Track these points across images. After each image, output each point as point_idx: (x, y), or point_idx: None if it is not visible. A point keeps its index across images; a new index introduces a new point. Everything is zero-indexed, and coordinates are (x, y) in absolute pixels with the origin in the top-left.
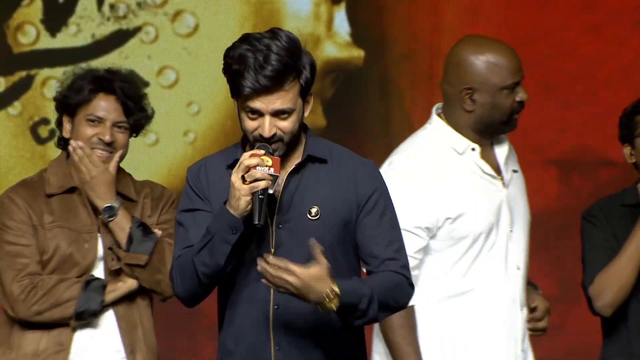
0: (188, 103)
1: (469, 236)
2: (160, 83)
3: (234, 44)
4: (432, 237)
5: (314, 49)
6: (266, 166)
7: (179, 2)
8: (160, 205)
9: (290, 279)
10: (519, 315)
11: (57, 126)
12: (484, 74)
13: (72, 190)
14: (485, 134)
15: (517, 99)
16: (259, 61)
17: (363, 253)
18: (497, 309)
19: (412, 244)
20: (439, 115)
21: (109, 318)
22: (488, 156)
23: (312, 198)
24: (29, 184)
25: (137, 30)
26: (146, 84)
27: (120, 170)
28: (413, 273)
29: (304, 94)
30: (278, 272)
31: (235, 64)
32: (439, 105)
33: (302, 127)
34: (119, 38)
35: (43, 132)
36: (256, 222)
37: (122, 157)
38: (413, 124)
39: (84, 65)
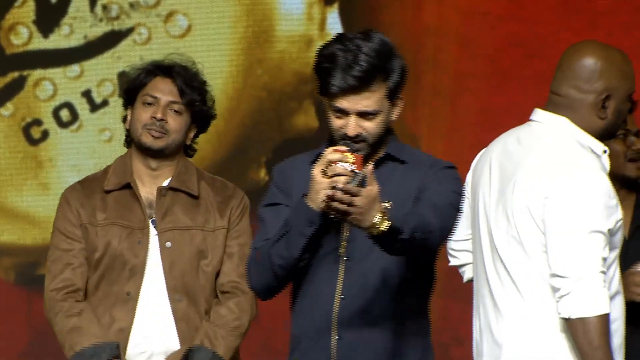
0: None
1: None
2: None
3: (327, 42)
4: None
5: (306, 50)
6: (348, 162)
7: (172, 3)
8: (229, 209)
9: (357, 199)
10: None
11: (124, 122)
12: (619, 80)
13: (128, 186)
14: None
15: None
16: (348, 61)
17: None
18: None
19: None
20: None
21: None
22: None
23: (386, 196)
24: (89, 181)
25: (129, 31)
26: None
27: (184, 164)
28: (603, 273)
29: (392, 96)
30: (345, 195)
31: (325, 62)
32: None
33: (388, 130)
34: (111, 39)
35: (35, 133)
36: (333, 216)
37: (175, 143)
38: (405, 123)
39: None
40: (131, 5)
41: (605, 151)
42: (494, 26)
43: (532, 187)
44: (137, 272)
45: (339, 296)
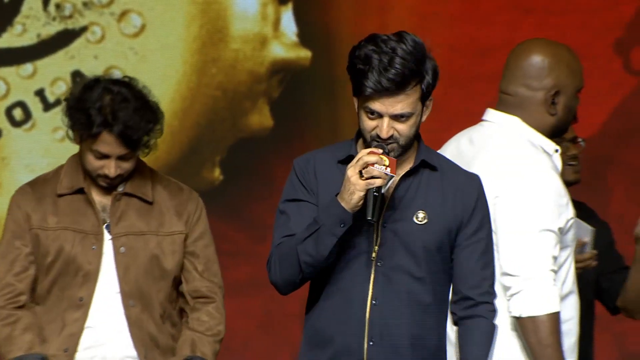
0: None
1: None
2: None
3: (360, 43)
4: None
5: (260, 49)
6: (383, 165)
7: (125, 2)
8: (186, 213)
9: None
10: None
11: (69, 127)
12: (567, 76)
13: (81, 190)
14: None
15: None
16: (384, 63)
17: (457, 283)
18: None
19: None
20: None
21: None
22: None
23: (421, 203)
24: (40, 184)
25: (83, 30)
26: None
27: (138, 168)
28: (553, 272)
29: (424, 98)
30: None
31: (360, 64)
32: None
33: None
34: (65, 38)
35: None
36: (369, 218)
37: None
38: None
39: (91, 75)
40: (85, 4)
41: (557, 150)
42: (447, 26)
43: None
44: (90, 277)
45: (372, 301)
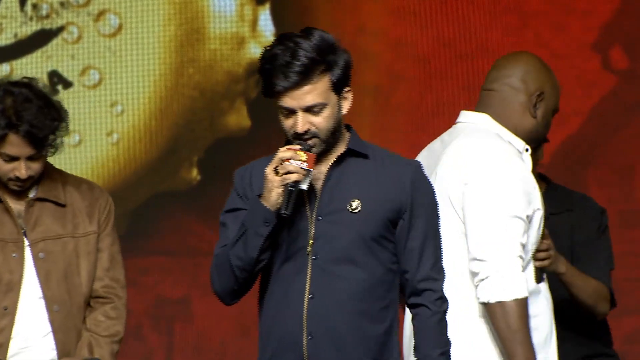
0: (112, 103)
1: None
2: (83, 83)
3: (269, 45)
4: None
5: (238, 50)
6: (300, 160)
7: (103, 2)
8: (97, 212)
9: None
10: None
11: None
12: (552, 89)
13: None
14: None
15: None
16: (287, 58)
17: (402, 270)
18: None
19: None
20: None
21: None
22: None
23: (354, 192)
24: None
25: (60, 30)
26: (69, 84)
27: (47, 172)
28: (521, 258)
29: (338, 89)
30: None
31: (266, 64)
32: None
33: (347, 127)
34: (42, 38)
35: None
36: (283, 212)
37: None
38: None
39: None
40: (61, 4)
41: (527, 150)
42: (423, 26)
43: (452, 176)
44: (13, 286)
45: (309, 296)
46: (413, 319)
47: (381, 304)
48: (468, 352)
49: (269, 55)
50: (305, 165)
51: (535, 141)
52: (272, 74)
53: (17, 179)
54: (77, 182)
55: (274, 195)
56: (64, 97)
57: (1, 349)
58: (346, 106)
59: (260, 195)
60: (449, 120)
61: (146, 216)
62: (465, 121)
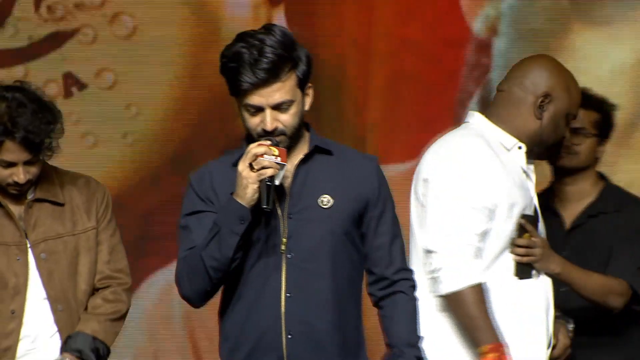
0: (127, 105)
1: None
2: (98, 85)
3: (229, 43)
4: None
5: None
6: (273, 155)
7: (117, 4)
8: (94, 206)
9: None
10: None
11: None
12: (563, 91)
13: None
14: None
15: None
16: (254, 55)
17: (371, 265)
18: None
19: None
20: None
21: None
22: None
23: (323, 187)
24: None
25: (75, 31)
26: (84, 86)
27: (43, 171)
28: (475, 247)
29: (302, 85)
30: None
31: (231, 62)
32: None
33: (305, 124)
34: (56, 39)
35: None
36: (264, 206)
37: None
38: (343, 123)
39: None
40: (76, 5)
41: (520, 147)
42: (433, 27)
43: (419, 171)
44: (20, 289)
45: (287, 294)
46: (386, 308)
47: (355, 300)
48: (432, 349)
49: (231, 53)
50: (279, 159)
51: (540, 143)
52: (238, 71)
53: (16, 183)
54: (74, 178)
55: (250, 191)
56: (79, 99)
57: (10, 352)
58: (308, 103)
59: (232, 194)
60: (432, 122)
61: (161, 218)
62: (465, 121)
